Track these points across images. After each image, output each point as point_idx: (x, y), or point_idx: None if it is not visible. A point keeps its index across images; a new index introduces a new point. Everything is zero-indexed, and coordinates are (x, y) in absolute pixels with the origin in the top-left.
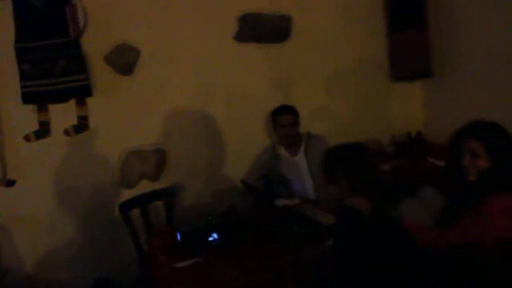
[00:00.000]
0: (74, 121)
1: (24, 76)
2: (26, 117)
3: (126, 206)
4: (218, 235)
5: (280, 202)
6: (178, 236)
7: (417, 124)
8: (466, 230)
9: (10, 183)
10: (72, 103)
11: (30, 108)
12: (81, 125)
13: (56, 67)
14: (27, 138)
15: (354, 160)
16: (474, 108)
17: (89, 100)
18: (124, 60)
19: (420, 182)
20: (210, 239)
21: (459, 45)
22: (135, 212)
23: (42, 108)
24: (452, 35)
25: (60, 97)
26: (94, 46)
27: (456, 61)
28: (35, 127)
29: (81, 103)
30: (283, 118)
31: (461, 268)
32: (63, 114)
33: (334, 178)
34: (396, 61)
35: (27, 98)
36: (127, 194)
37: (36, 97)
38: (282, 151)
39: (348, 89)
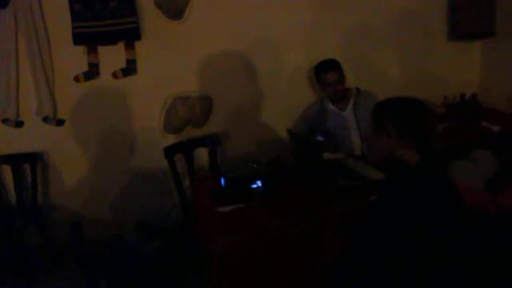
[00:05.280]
0: (122, 64)
1: (75, 16)
2: (77, 59)
3: (170, 151)
4: (262, 183)
5: (327, 155)
6: (222, 182)
7: (472, 86)
8: None
9: (60, 122)
10: (121, 46)
11: (81, 50)
12: (129, 69)
13: (106, 8)
14: (76, 78)
15: (406, 112)
16: None
17: (137, 44)
18: (174, 4)
19: (473, 145)
20: (254, 186)
21: None
22: (179, 157)
23: (91, 50)
24: None
25: (109, 39)
26: None
27: None
28: (85, 68)
29: (129, 46)
30: (328, 76)
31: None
32: (112, 57)
33: (383, 129)
34: (457, 18)
35: (77, 39)
36: (172, 139)
37: (87, 38)
38: (330, 105)
39: (401, 44)
